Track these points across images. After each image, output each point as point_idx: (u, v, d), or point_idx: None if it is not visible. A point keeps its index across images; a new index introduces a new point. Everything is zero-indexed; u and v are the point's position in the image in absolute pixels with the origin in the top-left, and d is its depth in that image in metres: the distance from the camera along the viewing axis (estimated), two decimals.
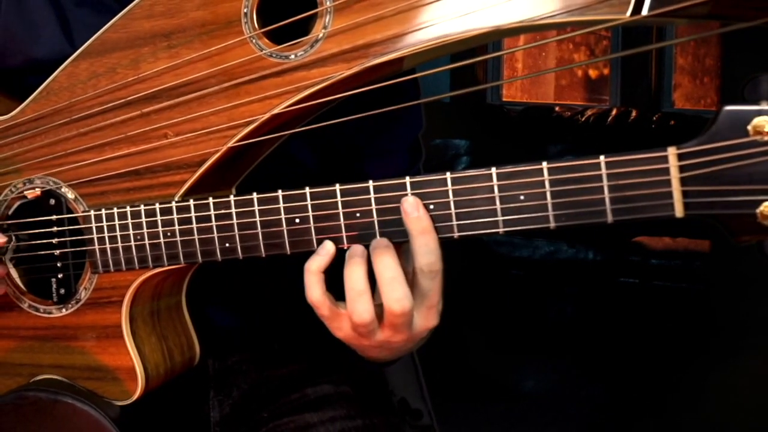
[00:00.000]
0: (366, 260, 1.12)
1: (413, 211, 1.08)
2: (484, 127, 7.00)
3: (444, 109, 6.65)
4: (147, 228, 1.23)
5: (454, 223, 1.06)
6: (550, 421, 4.13)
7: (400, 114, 1.26)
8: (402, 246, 1.13)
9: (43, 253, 1.33)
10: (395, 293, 1.11)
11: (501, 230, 1.05)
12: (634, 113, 6.69)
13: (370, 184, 1.10)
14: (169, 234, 1.21)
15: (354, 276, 1.12)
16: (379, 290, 1.13)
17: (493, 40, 1.12)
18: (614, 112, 6.83)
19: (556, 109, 7.18)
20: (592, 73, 8.04)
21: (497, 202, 1.04)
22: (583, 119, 6.83)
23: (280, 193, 1.14)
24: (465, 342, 4.59)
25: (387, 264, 1.10)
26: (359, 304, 1.13)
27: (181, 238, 1.21)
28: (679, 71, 7.57)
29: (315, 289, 1.14)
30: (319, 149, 1.46)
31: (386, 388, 1.71)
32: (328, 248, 1.13)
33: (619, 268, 5.44)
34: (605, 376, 4.57)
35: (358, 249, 1.12)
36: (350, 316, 1.14)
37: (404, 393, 1.80)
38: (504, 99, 8.06)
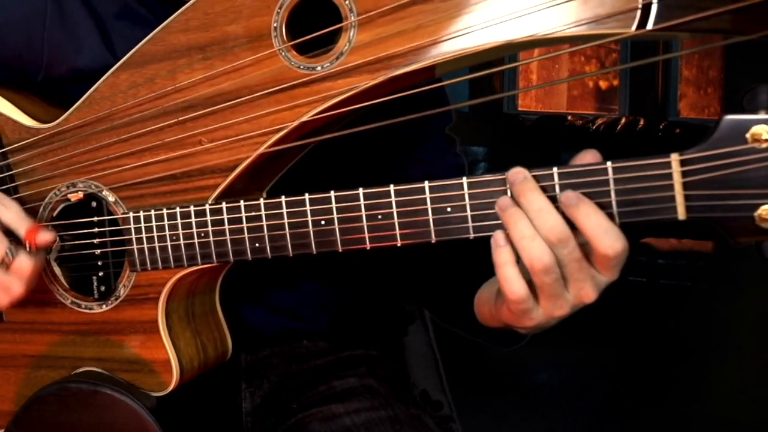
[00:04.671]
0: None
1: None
2: (500, 135, 7.00)
3: (463, 118, 6.65)
4: (182, 229, 1.24)
5: (470, 224, 1.06)
6: (562, 413, 4.13)
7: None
8: None
9: (84, 252, 1.34)
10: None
11: None
12: (641, 122, 6.68)
13: (391, 188, 1.10)
14: (202, 235, 1.22)
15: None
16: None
17: (507, 53, 1.12)
18: (623, 120, 6.82)
19: (569, 118, 7.18)
20: (603, 84, 8.03)
21: None
22: (594, 127, 6.83)
23: (306, 196, 1.15)
24: None
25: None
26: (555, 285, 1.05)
27: (214, 239, 1.22)
28: (685, 82, 7.55)
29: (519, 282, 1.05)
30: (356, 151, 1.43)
31: (408, 381, 1.71)
32: (498, 239, 1.04)
33: (628, 268, 5.43)
34: (614, 370, 4.56)
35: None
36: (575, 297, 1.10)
37: (425, 385, 1.80)
38: (519, 108, 8.05)
